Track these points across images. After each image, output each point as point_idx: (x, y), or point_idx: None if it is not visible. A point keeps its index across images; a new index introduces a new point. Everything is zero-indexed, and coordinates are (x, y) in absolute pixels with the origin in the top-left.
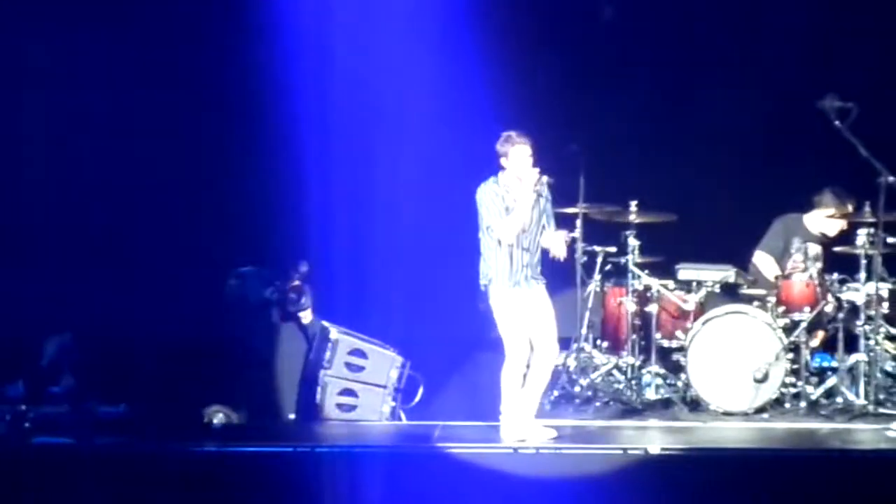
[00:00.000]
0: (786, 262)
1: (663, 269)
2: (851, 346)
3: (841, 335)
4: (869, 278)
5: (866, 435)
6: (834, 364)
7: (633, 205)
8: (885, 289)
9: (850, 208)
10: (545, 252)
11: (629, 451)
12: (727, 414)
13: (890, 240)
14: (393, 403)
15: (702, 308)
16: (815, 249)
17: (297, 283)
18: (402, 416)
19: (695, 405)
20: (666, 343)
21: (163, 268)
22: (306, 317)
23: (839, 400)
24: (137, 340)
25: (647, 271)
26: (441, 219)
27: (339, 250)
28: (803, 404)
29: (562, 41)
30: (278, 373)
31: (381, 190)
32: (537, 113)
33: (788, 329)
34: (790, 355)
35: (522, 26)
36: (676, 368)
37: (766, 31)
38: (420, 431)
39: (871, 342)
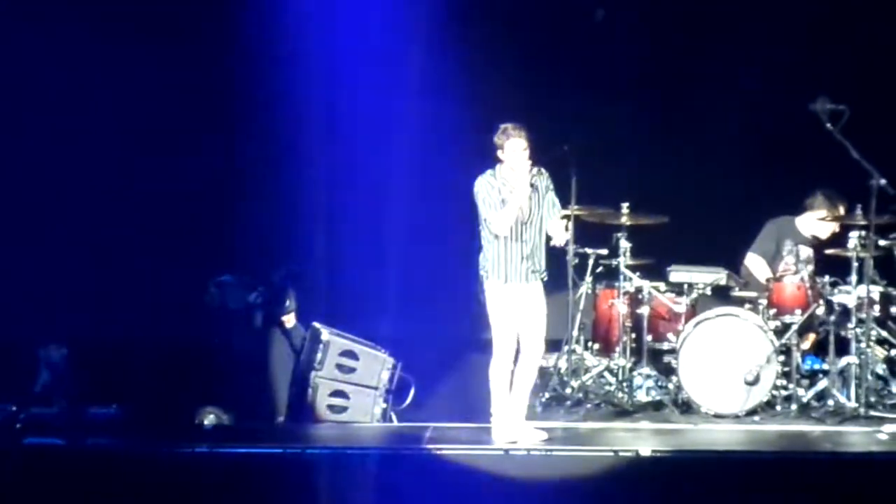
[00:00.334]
0: (777, 264)
1: (655, 272)
2: (842, 348)
3: (832, 338)
4: (860, 281)
5: (857, 437)
6: (825, 367)
7: (625, 207)
8: (875, 292)
9: (841, 211)
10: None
11: (620, 453)
12: (718, 416)
13: (881, 242)
14: (384, 405)
15: (693, 310)
16: (806, 252)
17: (280, 286)
18: (394, 417)
19: (686, 407)
20: (657, 345)
21: (154, 272)
22: (290, 320)
23: (830, 402)
24: (129, 342)
25: (638, 273)
26: (432, 219)
27: (328, 251)
28: (794, 407)
29: (555, 42)
30: (268, 375)
31: (369, 190)
32: (529, 114)
33: (779, 331)
34: (781, 358)
35: (516, 27)
36: (668, 370)
37: (758, 33)
38: (411, 433)
39: (862, 345)
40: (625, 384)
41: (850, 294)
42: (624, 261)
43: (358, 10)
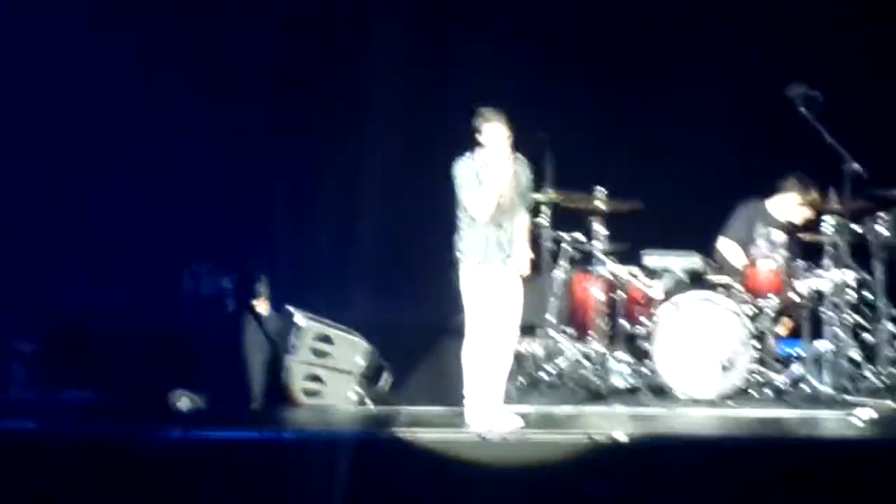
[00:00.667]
0: (750, 248)
1: (630, 257)
2: (817, 333)
3: (806, 323)
4: (834, 266)
5: (831, 422)
6: (799, 352)
7: (600, 192)
8: (850, 276)
9: (813, 195)
10: None
11: (595, 438)
12: (693, 401)
13: (855, 227)
14: (359, 389)
15: (668, 295)
16: (779, 235)
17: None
18: (368, 401)
19: (661, 392)
20: (632, 330)
21: (129, 258)
22: (261, 305)
23: (805, 388)
24: (104, 327)
25: (613, 258)
26: (407, 202)
27: (301, 236)
28: (769, 392)
29: (529, 28)
30: (242, 359)
31: (343, 172)
32: (503, 98)
33: (754, 316)
34: (756, 342)
35: (492, 11)
36: (643, 355)
37: (732, 17)
38: (386, 417)
39: (837, 330)
40: (600, 369)
41: (824, 279)
42: (599, 246)
43: None
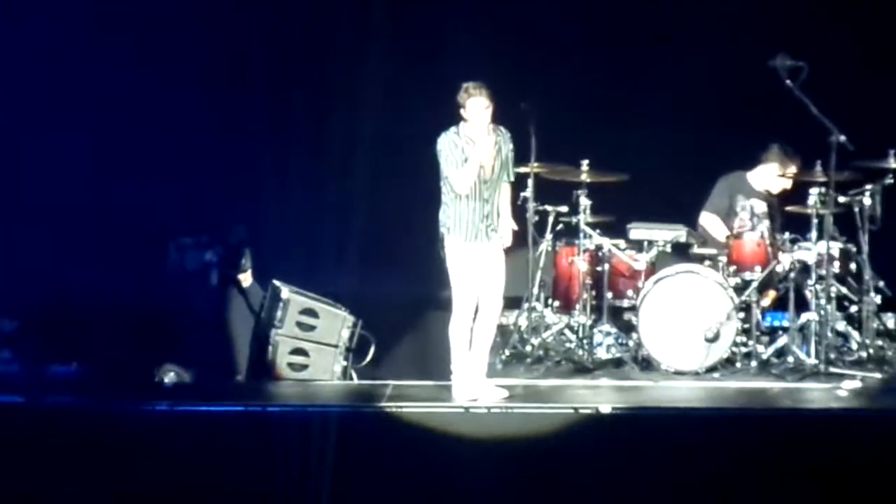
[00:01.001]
0: (732, 220)
1: (615, 229)
2: (802, 305)
3: (792, 294)
4: (820, 237)
5: (817, 394)
6: (785, 323)
7: (585, 164)
8: (835, 248)
9: (794, 165)
10: None
11: (580, 411)
12: (678, 373)
13: (841, 199)
14: (344, 363)
15: (653, 268)
16: (760, 206)
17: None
18: (354, 375)
19: (646, 364)
20: (617, 302)
21: (113, 231)
22: (246, 279)
23: (790, 359)
24: (89, 301)
25: (598, 231)
26: (392, 176)
27: (285, 208)
28: (754, 363)
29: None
30: (227, 333)
31: (329, 147)
32: (487, 71)
33: (739, 288)
34: (741, 314)
35: None
36: (628, 328)
37: None
38: (371, 391)
39: (822, 301)
40: (585, 341)
41: (809, 251)
42: (584, 218)
43: None
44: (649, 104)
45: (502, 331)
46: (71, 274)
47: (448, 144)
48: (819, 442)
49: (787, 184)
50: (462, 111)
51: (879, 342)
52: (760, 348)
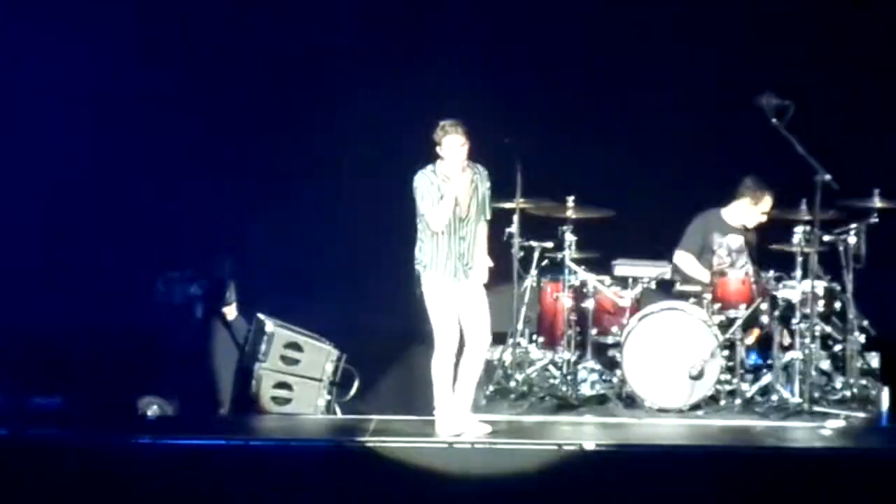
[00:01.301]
0: (708, 258)
1: (600, 265)
2: (786, 345)
3: (776, 333)
4: (805, 276)
5: (801, 433)
6: (769, 362)
7: (570, 200)
8: (820, 287)
9: (766, 198)
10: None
11: (564, 447)
12: (662, 410)
13: (826, 238)
14: (328, 397)
15: (638, 304)
16: (737, 241)
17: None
18: (338, 409)
19: (630, 401)
20: (602, 339)
21: (98, 263)
22: (231, 312)
23: (774, 398)
24: (72, 333)
25: (583, 267)
26: (375, 211)
27: (271, 242)
28: (738, 402)
29: (496, 35)
30: (210, 366)
31: (314, 181)
32: (471, 105)
33: (724, 326)
34: (725, 352)
35: (458, 20)
36: (612, 364)
37: (701, 26)
38: (355, 425)
39: (807, 340)
40: (569, 378)
41: (794, 289)
42: (569, 254)
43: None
44: (634, 141)
45: (486, 366)
46: (54, 305)
47: (424, 182)
48: (803, 481)
49: (763, 217)
50: (438, 149)
51: (863, 381)
52: (745, 386)
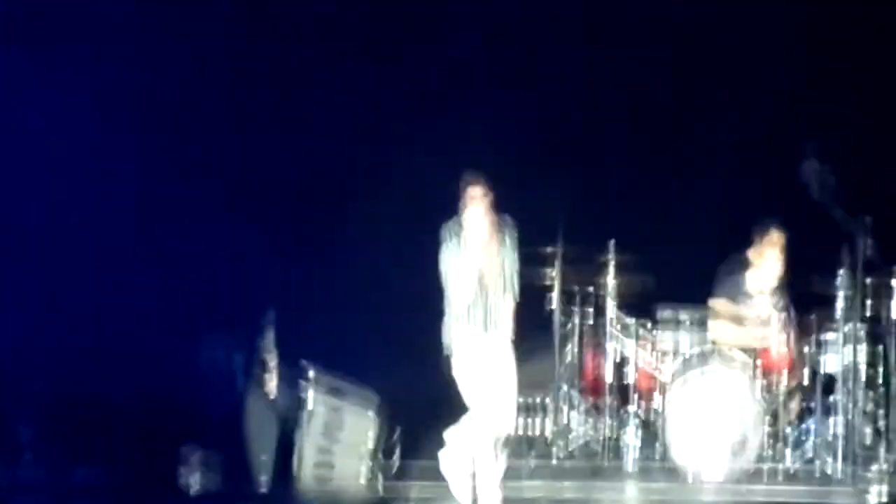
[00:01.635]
0: (742, 303)
1: (643, 309)
2: (829, 414)
3: (818, 405)
4: (846, 322)
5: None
6: (811, 430)
7: (611, 245)
8: (862, 353)
9: (775, 239)
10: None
11: None
12: (704, 481)
13: (867, 281)
14: (370, 464)
15: (678, 375)
16: (769, 284)
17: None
18: (380, 477)
19: (672, 471)
20: (643, 408)
21: (139, 333)
22: (271, 384)
23: (816, 468)
24: (114, 405)
25: (625, 331)
26: (417, 266)
27: (312, 298)
28: (781, 472)
29: (540, 84)
30: (252, 437)
31: (354, 235)
32: (511, 166)
33: (766, 395)
34: (768, 421)
35: (496, 71)
36: (654, 435)
37: (745, 77)
38: (397, 494)
39: (850, 412)
40: (611, 447)
41: (836, 355)
42: (610, 328)
43: None
44: (677, 195)
45: (528, 437)
46: (94, 375)
47: (446, 234)
48: None
49: (779, 259)
50: (461, 201)
51: None
52: (787, 456)
